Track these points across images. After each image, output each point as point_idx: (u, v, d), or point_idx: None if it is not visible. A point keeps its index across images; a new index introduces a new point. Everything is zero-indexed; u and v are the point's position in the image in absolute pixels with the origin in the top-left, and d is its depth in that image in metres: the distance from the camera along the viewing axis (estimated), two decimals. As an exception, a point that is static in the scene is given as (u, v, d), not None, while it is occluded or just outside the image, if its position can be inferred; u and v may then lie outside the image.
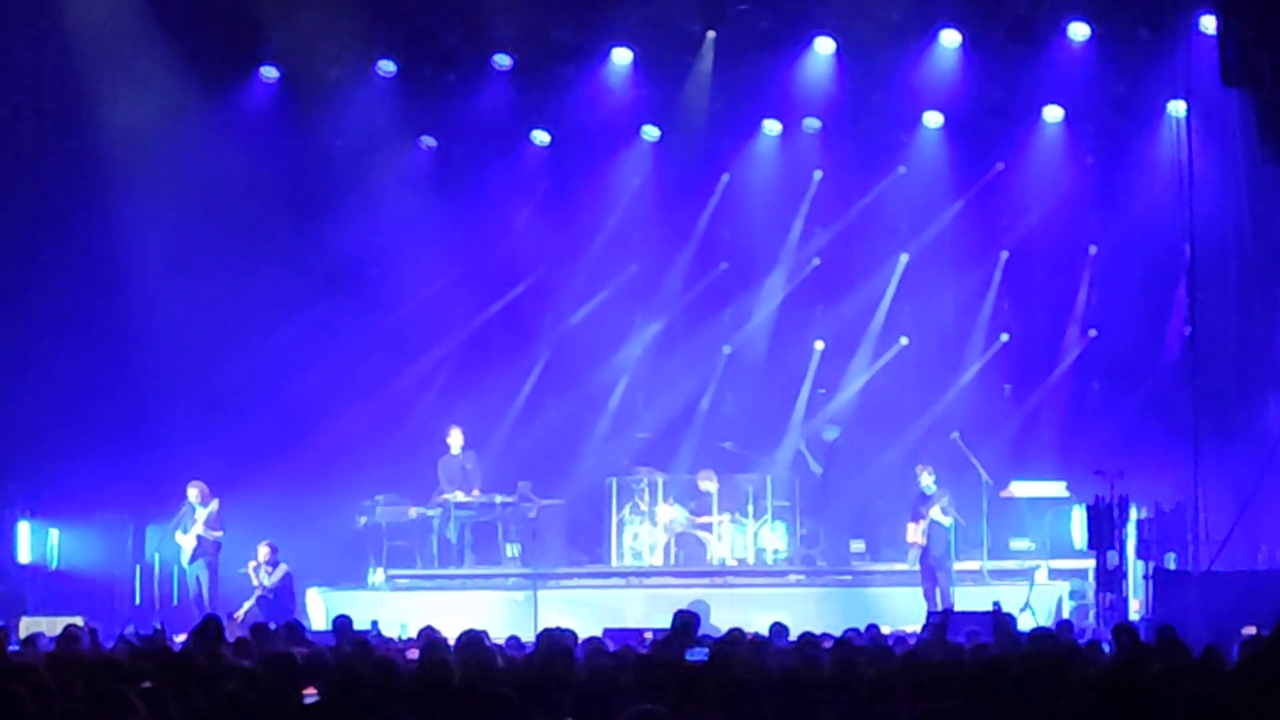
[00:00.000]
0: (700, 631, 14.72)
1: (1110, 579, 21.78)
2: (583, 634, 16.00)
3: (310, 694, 10.24)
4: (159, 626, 19.46)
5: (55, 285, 24.88)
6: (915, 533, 24.01)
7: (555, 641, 13.38)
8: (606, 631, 18.47)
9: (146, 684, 9.81)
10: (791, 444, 27.36)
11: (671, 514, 26.12)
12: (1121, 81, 25.89)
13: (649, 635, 15.92)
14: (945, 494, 24.03)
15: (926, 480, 24.17)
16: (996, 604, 19.70)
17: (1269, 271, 24.90)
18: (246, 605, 23.54)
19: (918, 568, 24.10)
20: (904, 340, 27.85)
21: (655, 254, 28.24)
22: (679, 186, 27.78)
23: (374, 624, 19.87)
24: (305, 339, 26.47)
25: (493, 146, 27.51)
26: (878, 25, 25.46)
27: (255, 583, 23.79)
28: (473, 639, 13.44)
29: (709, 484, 26.08)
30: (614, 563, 26.30)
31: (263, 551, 23.85)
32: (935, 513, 23.80)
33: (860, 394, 27.92)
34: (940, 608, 22.90)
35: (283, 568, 23.90)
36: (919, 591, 23.89)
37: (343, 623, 17.27)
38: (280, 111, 26.49)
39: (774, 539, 26.15)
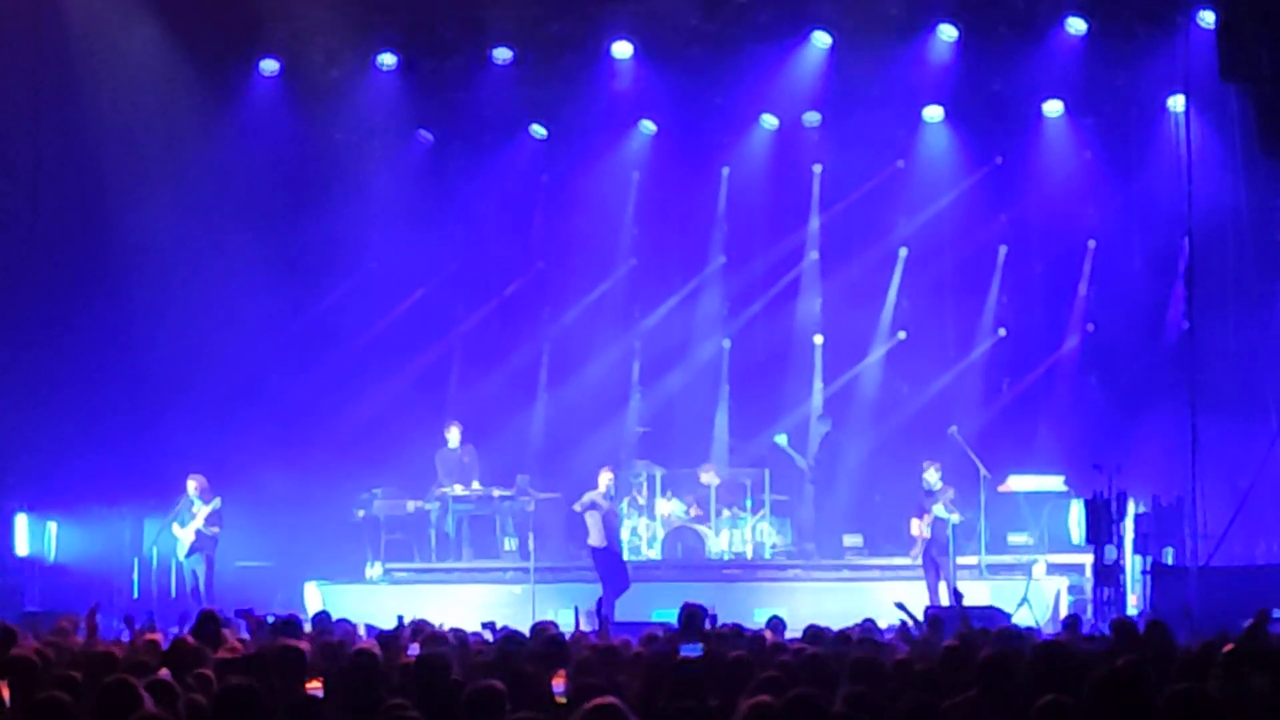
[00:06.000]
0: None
1: (1108, 574, 21.76)
2: (582, 627, 15.96)
3: (315, 687, 10.26)
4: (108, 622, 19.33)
5: (53, 279, 24.86)
6: (919, 527, 23.95)
7: (546, 634, 13.36)
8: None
9: (162, 673, 9.86)
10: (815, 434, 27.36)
11: (670, 508, 26.11)
12: (1121, 76, 25.88)
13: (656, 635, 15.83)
14: (950, 490, 23.99)
15: (932, 476, 24.12)
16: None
17: (1267, 265, 24.93)
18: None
19: (919, 562, 24.06)
20: (902, 334, 27.85)
21: (654, 247, 28.22)
22: (678, 180, 27.76)
23: (400, 618, 19.85)
24: (303, 331, 26.50)
25: (492, 139, 27.51)
26: (875, 20, 25.46)
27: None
28: (463, 635, 13.44)
29: (710, 477, 26.07)
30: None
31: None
32: (939, 509, 23.75)
33: (858, 388, 27.91)
34: (946, 602, 22.90)
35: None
36: (917, 586, 23.87)
37: (322, 618, 17.23)
38: (280, 105, 26.49)
39: (772, 533, 26.14)
